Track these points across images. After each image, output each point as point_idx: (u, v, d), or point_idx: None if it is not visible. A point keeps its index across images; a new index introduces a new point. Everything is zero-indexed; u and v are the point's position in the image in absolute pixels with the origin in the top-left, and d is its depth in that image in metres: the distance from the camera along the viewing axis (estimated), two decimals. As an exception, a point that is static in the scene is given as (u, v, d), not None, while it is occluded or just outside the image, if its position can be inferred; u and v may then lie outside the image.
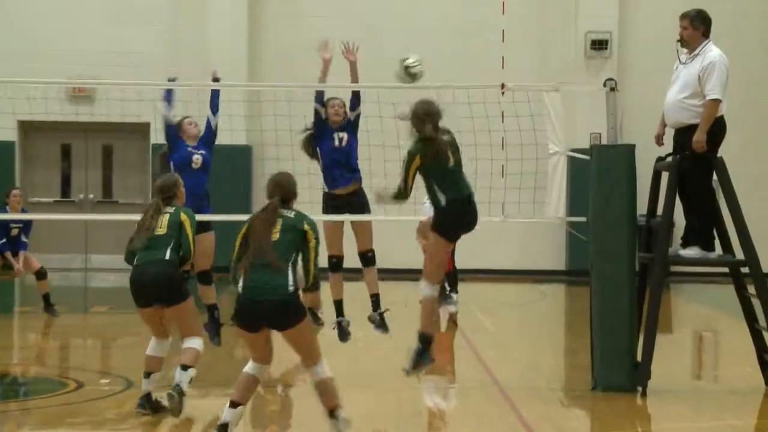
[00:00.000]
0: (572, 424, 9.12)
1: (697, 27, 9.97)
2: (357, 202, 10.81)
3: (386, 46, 21.25)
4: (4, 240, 14.56)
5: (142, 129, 20.76)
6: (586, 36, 21.48)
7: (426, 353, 8.95)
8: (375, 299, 10.75)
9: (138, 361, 11.99)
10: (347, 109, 11.07)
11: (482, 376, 10.92)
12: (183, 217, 8.81)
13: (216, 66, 20.73)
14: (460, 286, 16.39)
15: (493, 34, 20.77)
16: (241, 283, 7.39)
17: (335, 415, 7.45)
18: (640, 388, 9.71)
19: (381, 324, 10.70)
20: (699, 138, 9.74)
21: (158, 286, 8.55)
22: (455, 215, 8.88)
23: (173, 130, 11.01)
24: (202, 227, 10.20)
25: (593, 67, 21.34)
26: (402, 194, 8.80)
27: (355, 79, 11.08)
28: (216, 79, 11.43)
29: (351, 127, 11.04)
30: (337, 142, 10.96)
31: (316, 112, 11.10)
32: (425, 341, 8.96)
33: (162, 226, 8.73)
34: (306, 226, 7.52)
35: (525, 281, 20.58)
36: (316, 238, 7.55)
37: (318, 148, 11.02)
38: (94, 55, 21.02)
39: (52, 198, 21.74)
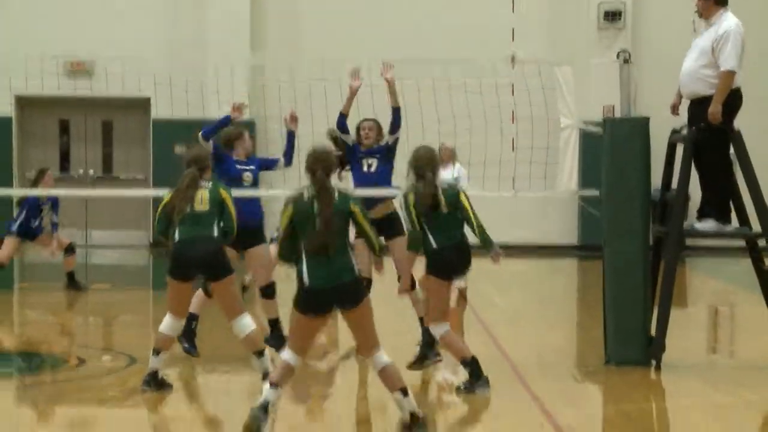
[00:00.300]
0: (585, 399, 8.97)
1: None
2: (386, 226, 10.11)
3: (391, 16, 21.05)
4: (21, 221, 14.45)
5: (143, 104, 20.55)
6: (599, 7, 21.16)
7: (478, 376, 8.76)
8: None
9: (140, 338, 11.90)
10: (383, 131, 10.43)
11: (493, 352, 10.74)
12: (223, 194, 8.74)
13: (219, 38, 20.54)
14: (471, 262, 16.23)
15: (502, 5, 20.49)
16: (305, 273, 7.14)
17: (407, 393, 7.26)
18: (654, 363, 9.53)
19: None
20: (714, 110, 9.53)
21: (207, 262, 8.54)
22: (446, 258, 8.82)
23: (219, 149, 10.29)
24: (254, 240, 10.01)
25: (606, 38, 21.01)
26: (417, 237, 8.71)
27: (394, 101, 10.43)
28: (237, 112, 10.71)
29: (386, 151, 10.32)
30: (365, 168, 10.30)
31: (340, 138, 10.42)
32: (470, 365, 8.82)
33: (203, 203, 8.63)
34: (353, 207, 7.28)
35: (537, 256, 20.37)
36: (363, 212, 7.33)
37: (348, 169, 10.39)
38: (93, 29, 20.74)
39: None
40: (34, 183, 14.76)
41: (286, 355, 7.38)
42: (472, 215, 8.88)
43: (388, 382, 7.31)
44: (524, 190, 13.06)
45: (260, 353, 8.66)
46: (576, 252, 20.77)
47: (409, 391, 7.26)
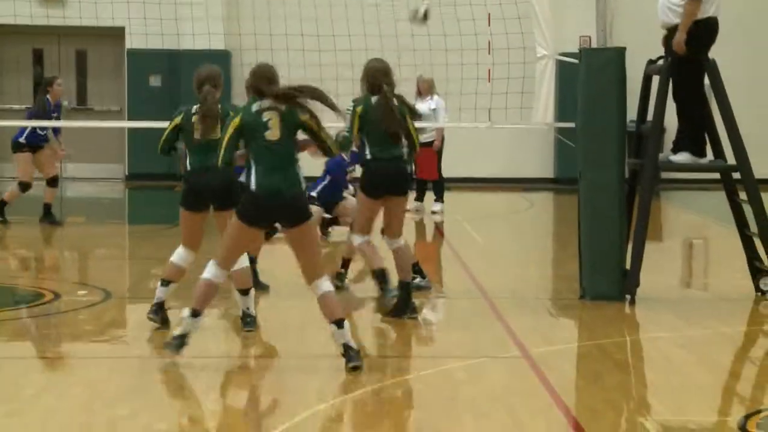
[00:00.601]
0: (560, 334, 8.99)
1: None
2: None
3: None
4: (29, 131, 14.38)
5: (117, 33, 20.28)
6: (577, -65, 20.89)
7: (385, 289, 9.27)
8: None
9: (115, 272, 11.89)
10: None
11: (469, 286, 10.77)
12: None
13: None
14: (446, 195, 16.23)
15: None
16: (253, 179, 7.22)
17: (342, 325, 7.25)
18: (628, 297, 9.56)
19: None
20: (678, 39, 9.53)
21: (220, 192, 8.27)
22: (377, 172, 8.96)
23: None
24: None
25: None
26: (348, 139, 8.77)
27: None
28: None
29: None
30: None
31: None
32: (377, 276, 9.27)
33: (217, 133, 8.20)
34: (302, 117, 7.29)
35: (512, 190, 20.36)
36: (316, 121, 7.34)
37: None
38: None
39: (24, 105, 21.30)
40: (44, 91, 14.49)
41: (209, 272, 7.39)
42: (413, 132, 9.07)
43: (325, 311, 7.33)
44: (500, 122, 13.00)
45: (245, 291, 8.55)
46: (552, 185, 20.76)
47: (346, 324, 7.24)
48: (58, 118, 14.59)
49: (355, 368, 7.19)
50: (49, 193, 14.66)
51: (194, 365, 7.59)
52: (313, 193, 12.73)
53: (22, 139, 14.46)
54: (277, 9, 15.69)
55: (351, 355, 7.23)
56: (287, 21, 15.32)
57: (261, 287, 9.77)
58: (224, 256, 7.45)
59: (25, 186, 14.46)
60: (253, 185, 7.23)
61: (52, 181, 14.62)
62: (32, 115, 14.49)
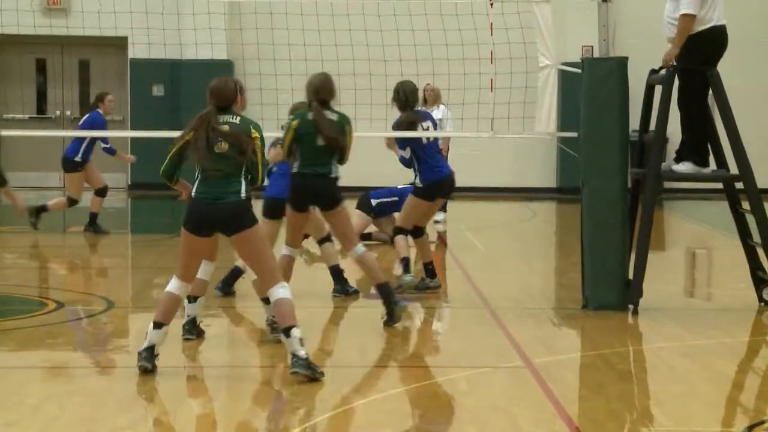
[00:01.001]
0: (563, 343, 8.97)
1: None
2: None
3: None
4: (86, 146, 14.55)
5: (120, 42, 20.31)
6: (580, -55, 20.93)
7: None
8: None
9: (118, 282, 11.88)
10: None
11: (472, 295, 10.75)
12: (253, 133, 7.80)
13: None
14: (450, 205, 16.21)
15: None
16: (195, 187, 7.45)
17: (290, 333, 7.25)
18: (631, 307, 9.54)
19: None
20: (669, 52, 9.55)
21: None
22: (300, 184, 8.97)
23: None
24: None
25: (586, -23, 20.81)
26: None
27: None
28: None
29: None
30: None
31: None
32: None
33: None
34: (253, 132, 7.46)
35: (515, 199, 20.35)
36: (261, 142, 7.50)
37: None
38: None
39: (27, 114, 21.33)
40: (94, 106, 14.83)
41: (171, 284, 7.49)
42: (348, 149, 9.04)
43: (278, 316, 7.39)
44: (503, 132, 12.99)
45: (194, 299, 8.40)
46: (555, 194, 20.75)
47: (295, 333, 7.20)
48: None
49: (295, 373, 7.18)
50: (98, 203, 14.85)
51: (197, 375, 7.58)
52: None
53: (78, 158, 14.53)
54: (279, 19, 15.68)
55: (294, 361, 7.24)
56: (290, 31, 15.31)
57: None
58: (179, 266, 7.56)
59: (73, 202, 14.64)
60: (193, 193, 7.42)
61: (102, 191, 14.80)
62: (87, 127, 14.65)
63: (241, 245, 7.47)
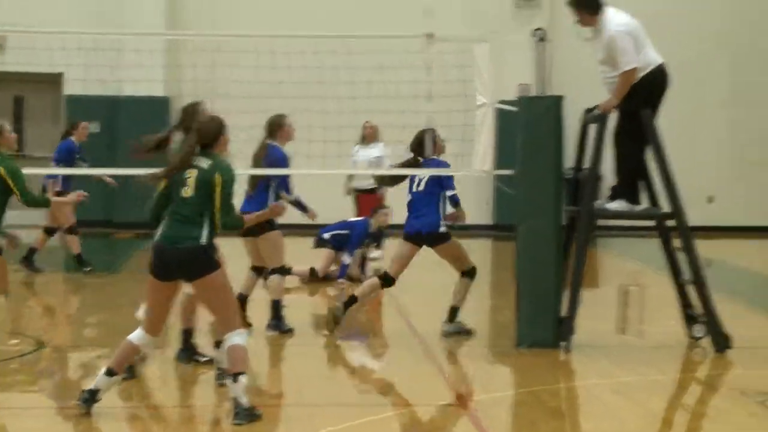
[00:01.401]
0: (496, 381, 9.00)
1: (582, 11, 9.92)
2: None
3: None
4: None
5: (55, 79, 20.17)
6: (517, -16, 21.12)
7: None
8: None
9: (49, 322, 11.73)
10: None
11: (407, 333, 10.76)
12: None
13: (134, 13, 20.44)
14: (387, 242, 16.21)
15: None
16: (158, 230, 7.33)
17: (237, 380, 7.22)
18: (564, 344, 9.59)
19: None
20: (609, 103, 9.71)
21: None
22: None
23: None
24: None
25: (523, 16, 20.94)
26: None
27: None
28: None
29: None
30: None
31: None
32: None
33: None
34: (217, 178, 7.32)
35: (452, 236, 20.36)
36: (226, 186, 7.33)
37: None
38: (4, 2, 20.38)
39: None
40: (67, 134, 14.94)
41: (135, 334, 7.42)
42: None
43: (229, 361, 7.32)
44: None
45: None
46: (491, 232, 20.83)
47: (242, 380, 7.17)
48: (83, 160, 14.82)
49: (237, 424, 7.12)
50: (43, 240, 15.03)
51: (123, 415, 7.49)
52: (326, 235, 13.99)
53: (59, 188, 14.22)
54: (219, 56, 15.67)
55: (237, 411, 7.19)
56: (231, 69, 15.31)
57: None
58: (146, 317, 7.45)
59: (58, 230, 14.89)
60: (155, 237, 7.33)
61: (71, 230, 14.88)
62: (63, 154, 14.70)
63: (199, 291, 7.37)
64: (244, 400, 7.19)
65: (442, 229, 10.49)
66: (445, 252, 10.60)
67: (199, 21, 21.02)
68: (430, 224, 10.47)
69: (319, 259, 14.20)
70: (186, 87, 16.68)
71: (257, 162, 10.50)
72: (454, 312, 10.59)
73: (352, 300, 10.43)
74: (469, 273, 10.56)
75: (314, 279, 14.00)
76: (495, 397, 8.26)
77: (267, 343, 10.14)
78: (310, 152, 13.19)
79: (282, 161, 10.60)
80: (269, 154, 10.53)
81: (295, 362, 9.45)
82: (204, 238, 7.24)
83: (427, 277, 15.71)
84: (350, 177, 15.80)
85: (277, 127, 10.77)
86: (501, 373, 9.35)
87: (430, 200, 10.59)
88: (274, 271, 10.42)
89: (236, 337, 7.29)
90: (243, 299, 10.42)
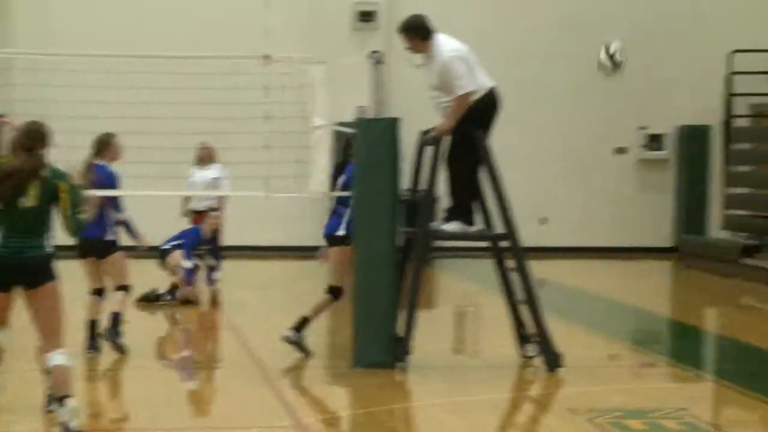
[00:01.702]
0: (332, 402, 9.00)
1: (413, 38, 10.02)
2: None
3: (143, 9, 20.72)
4: None
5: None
6: (354, 6, 21.22)
7: None
8: None
9: None
10: None
11: (243, 355, 10.67)
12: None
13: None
14: (224, 263, 16.09)
15: (256, 2, 20.36)
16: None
17: (64, 403, 7.02)
18: (400, 364, 9.64)
19: None
20: (444, 126, 9.84)
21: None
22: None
23: None
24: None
25: (360, 39, 21.06)
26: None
27: None
28: None
29: None
30: None
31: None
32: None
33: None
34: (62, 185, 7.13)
35: (289, 258, 20.35)
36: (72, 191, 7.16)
37: None
38: None
39: None
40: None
41: None
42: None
43: (54, 383, 7.15)
44: (277, 191, 13.00)
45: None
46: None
47: (69, 404, 6.98)
48: None
49: None
50: None
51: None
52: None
53: None
54: (54, 76, 15.33)
55: None
56: (63, 88, 15.00)
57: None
58: None
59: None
60: None
61: None
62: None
63: (35, 300, 7.08)
64: (74, 424, 7.00)
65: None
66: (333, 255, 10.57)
67: (31, 40, 20.53)
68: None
69: (169, 275, 14.16)
70: (19, 107, 16.27)
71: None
72: (303, 322, 10.51)
73: (303, 322, 10.42)
74: (333, 292, 10.50)
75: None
76: (331, 417, 8.26)
77: (102, 364, 9.94)
78: (142, 173, 13.00)
79: (109, 179, 10.44)
80: (96, 173, 10.38)
81: (132, 385, 9.26)
82: (47, 248, 7.07)
83: (264, 296, 15.65)
84: (187, 199, 15.63)
85: (104, 145, 10.62)
86: (338, 394, 9.35)
87: None
88: (119, 289, 10.34)
89: (59, 356, 7.08)
90: (93, 324, 10.19)
